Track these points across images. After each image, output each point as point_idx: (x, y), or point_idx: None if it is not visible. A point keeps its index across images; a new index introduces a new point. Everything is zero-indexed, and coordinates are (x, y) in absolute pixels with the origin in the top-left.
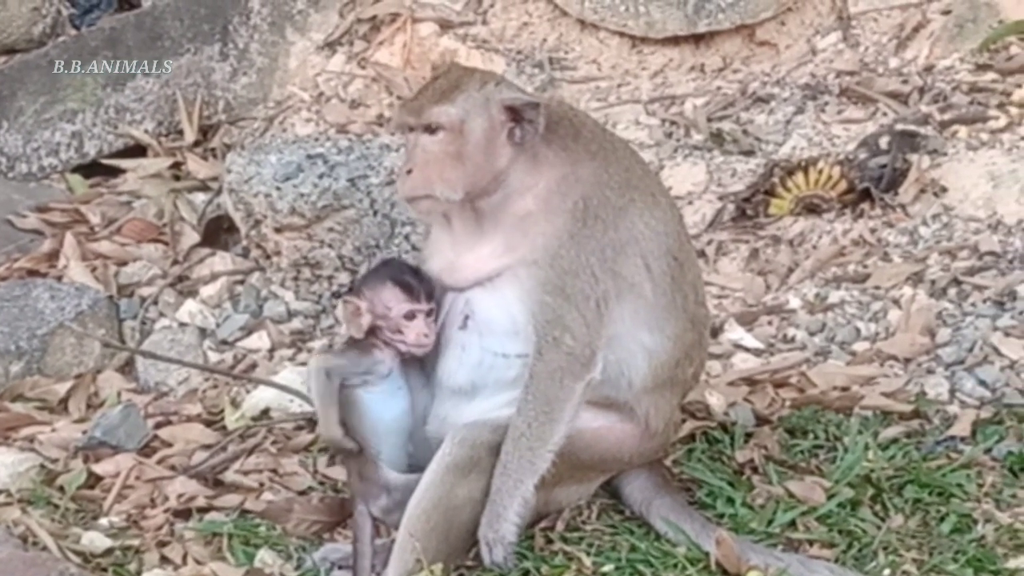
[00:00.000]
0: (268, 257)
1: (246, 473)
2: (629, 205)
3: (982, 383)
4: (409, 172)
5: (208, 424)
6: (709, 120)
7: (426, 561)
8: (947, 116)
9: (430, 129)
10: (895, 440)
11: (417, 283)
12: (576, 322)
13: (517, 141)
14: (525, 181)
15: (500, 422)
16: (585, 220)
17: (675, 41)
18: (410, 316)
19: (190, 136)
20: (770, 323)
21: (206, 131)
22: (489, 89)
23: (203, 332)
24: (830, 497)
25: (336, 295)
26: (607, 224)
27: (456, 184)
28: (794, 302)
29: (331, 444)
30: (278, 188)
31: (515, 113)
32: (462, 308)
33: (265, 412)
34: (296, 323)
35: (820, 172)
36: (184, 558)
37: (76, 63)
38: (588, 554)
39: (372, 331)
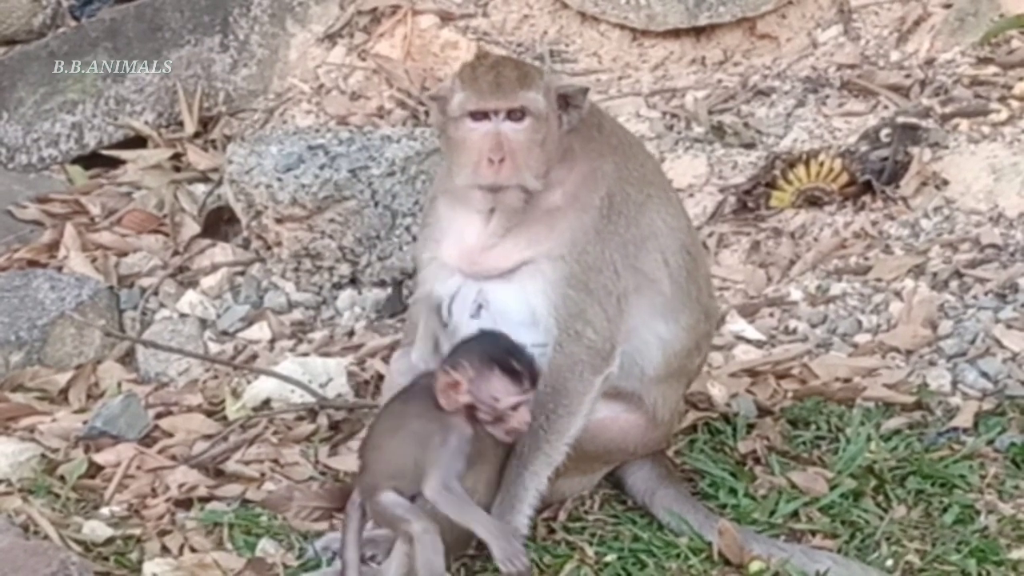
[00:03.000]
0: (269, 248)
1: (247, 463)
2: (647, 201)
3: (984, 375)
4: (502, 160)
5: (209, 414)
6: (710, 113)
7: None
8: (948, 109)
9: (515, 116)
10: (897, 431)
11: (524, 369)
12: (598, 316)
13: (565, 129)
14: (559, 174)
15: None
16: (610, 216)
17: (676, 34)
18: (516, 407)
19: (190, 127)
20: (771, 315)
21: (206, 122)
22: (548, 76)
23: (204, 323)
24: (833, 488)
25: (337, 286)
26: (629, 220)
27: (539, 173)
28: (795, 294)
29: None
30: (279, 179)
31: (564, 100)
32: (475, 297)
33: (266, 402)
34: (297, 314)
35: (821, 165)
36: (184, 548)
37: (76, 54)
38: (591, 544)
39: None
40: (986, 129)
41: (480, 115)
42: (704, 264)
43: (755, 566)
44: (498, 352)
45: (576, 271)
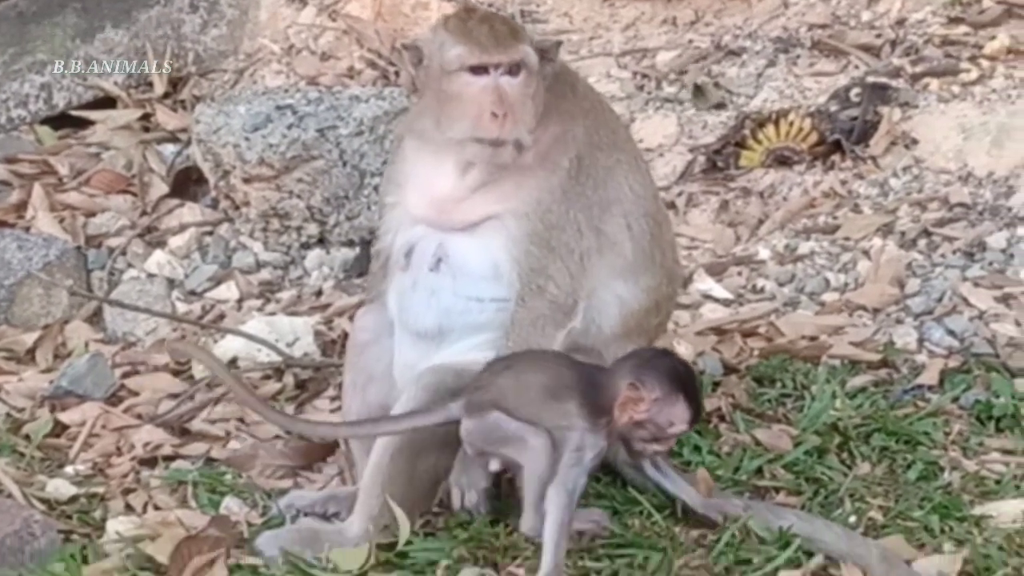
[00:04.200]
0: (237, 208)
1: (213, 422)
2: (616, 166)
3: (950, 333)
4: (505, 115)
5: (175, 374)
6: (682, 73)
7: (392, 505)
8: (919, 69)
9: (513, 70)
10: (863, 389)
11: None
12: (560, 272)
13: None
14: (534, 132)
15: (464, 367)
16: (578, 178)
17: None
18: (680, 434)
19: (160, 88)
20: (739, 274)
21: (176, 83)
22: (528, 31)
23: (171, 283)
24: (797, 445)
25: (305, 246)
26: (597, 183)
27: (531, 128)
28: (764, 253)
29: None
30: (247, 139)
31: (540, 54)
32: (435, 251)
33: (233, 361)
34: (265, 274)
35: (791, 124)
36: (148, 506)
37: (45, 15)
38: None
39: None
40: (956, 89)
41: (480, 69)
42: (669, 230)
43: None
44: (688, 378)
45: (539, 229)
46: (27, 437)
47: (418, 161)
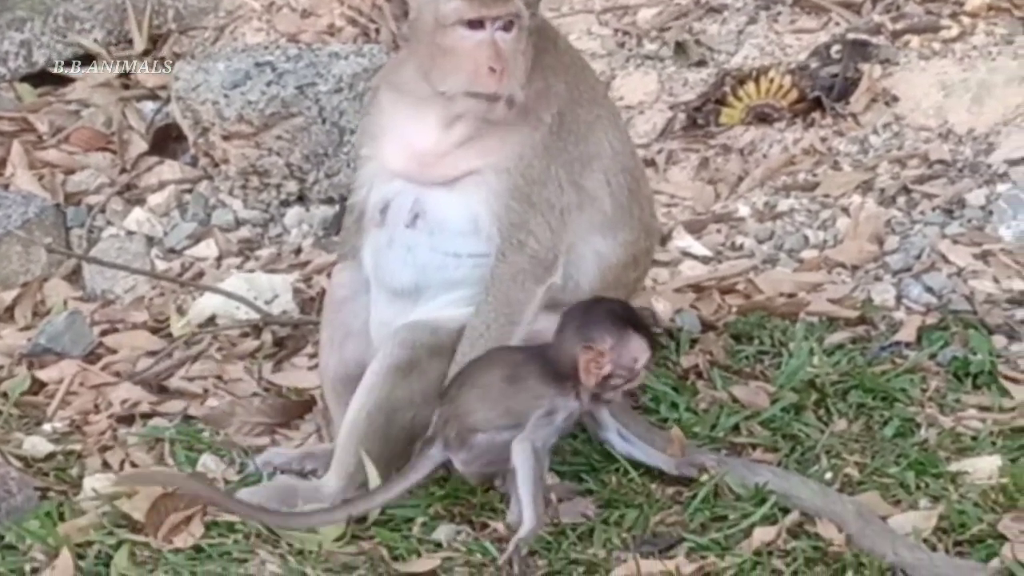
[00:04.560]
0: (216, 165)
1: (191, 379)
2: (596, 122)
3: (928, 290)
4: (503, 70)
5: (154, 331)
6: (663, 31)
7: (367, 463)
8: (899, 26)
9: (508, 25)
10: (840, 346)
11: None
12: (540, 227)
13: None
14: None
15: (440, 323)
16: (559, 133)
17: None
18: (648, 366)
19: (140, 45)
20: (719, 231)
21: (156, 40)
22: None
23: (151, 240)
24: (774, 402)
25: (284, 203)
26: (578, 138)
27: (523, 83)
28: (743, 210)
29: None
30: (226, 96)
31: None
32: (412, 206)
33: (211, 319)
34: (244, 231)
35: (771, 81)
36: (125, 463)
37: None
38: None
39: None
40: (937, 45)
41: (477, 23)
42: (646, 185)
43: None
44: (627, 312)
45: (520, 184)
46: (4, 395)
47: (396, 114)
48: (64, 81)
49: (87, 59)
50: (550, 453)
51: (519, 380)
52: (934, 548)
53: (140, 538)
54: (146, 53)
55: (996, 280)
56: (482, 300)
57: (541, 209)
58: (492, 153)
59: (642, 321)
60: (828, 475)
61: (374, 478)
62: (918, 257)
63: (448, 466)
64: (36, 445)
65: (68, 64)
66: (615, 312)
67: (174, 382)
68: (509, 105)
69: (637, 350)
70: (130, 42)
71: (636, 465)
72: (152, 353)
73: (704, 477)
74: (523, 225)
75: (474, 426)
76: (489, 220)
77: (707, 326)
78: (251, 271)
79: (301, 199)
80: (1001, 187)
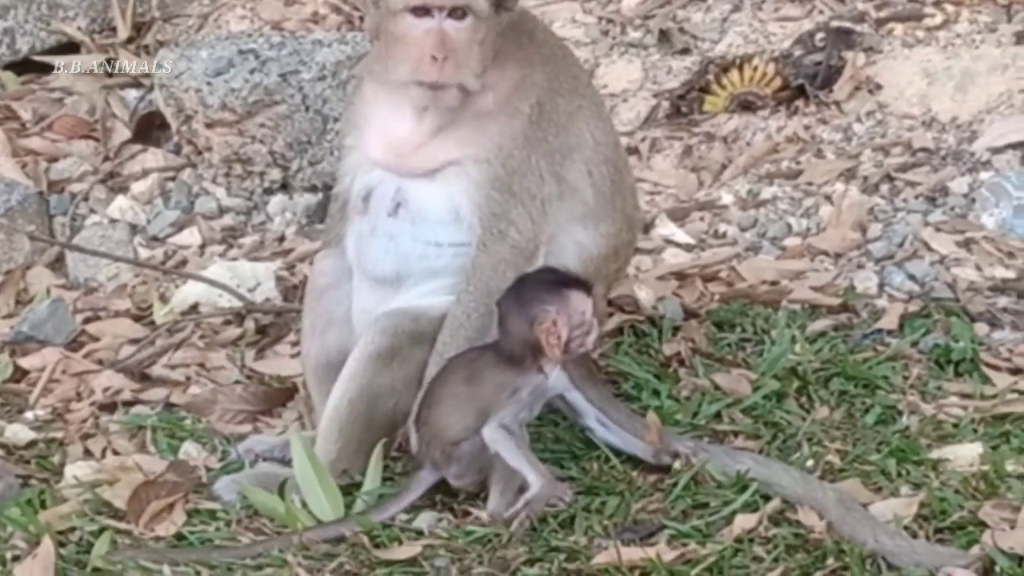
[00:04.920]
0: (199, 153)
1: (173, 367)
2: (577, 112)
3: (911, 277)
4: (445, 58)
5: (137, 319)
6: (647, 19)
7: (348, 451)
8: (883, 14)
9: (457, 14)
10: (823, 333)
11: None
12: (521, 217)
13: (497, 30)
14: (491, 78)
15: (422, 311)
16: (539, 123)
17: None
18: (592, 311)
19: (123, 33)
20: (702, 219)
21: (139, 28)
22: None
23: (134, 228)
24: (756, 389)
25: (267, 191)
26: (558, 128)
27: (478, 73)
28: (726, 198)
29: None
30: (209, 83)
31: (497, 1)
32: (393, 195)
33: (194, 307)
34: (227, 219)
35: (755, 69)
36: (107, 451)
37: None
38: None
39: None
40: (920, 34)
41: (422, 11)
42: (629, 176)
43: (678, 465)
44: (552, 277)
45: (501, 174)
46: None
47: (377, 104)
48: (47, 69)
49: (71, 47)
50: (525, 429)
51: (477, 376)
52: (915, 535)
53: (122, 525)
54: (130, 41)
55: (978, 268)
56: (463, 290)
57: (522, 199)
58: (470, 144)
59: (568, 276)
60: (809, 462)
61: (371, 480)
62: (901, 245)
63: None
64: (18, 433)
65: (51, 52)
66: (544, 281)
67: (156, 370)
68: (463, 93)
69: (579, 303)
70: (114, 30)
71: (617, 452)
72: (135, 341)
73: (678, 464)
74: (504, 215)
75: (454, 438)
76: (470, 210)
77: (689, 314)
78: (234, 259)
79: (284, 187)
80: (984, 175)
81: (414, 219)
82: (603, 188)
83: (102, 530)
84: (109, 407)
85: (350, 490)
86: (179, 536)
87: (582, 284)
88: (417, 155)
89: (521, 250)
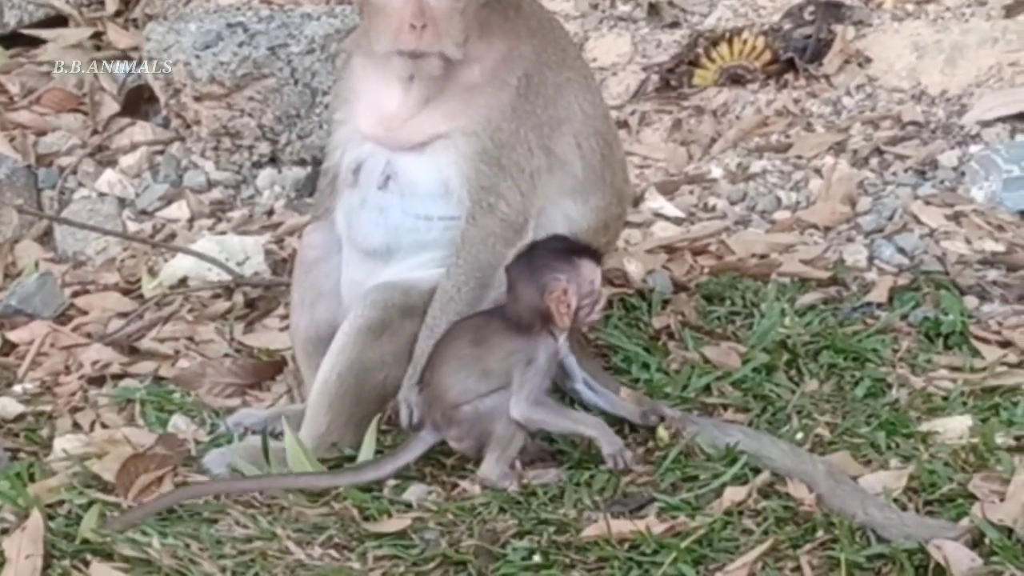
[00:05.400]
0: (188, 127)
1: (162, 341)
2: (566, 84)
3: (900, 250)
4: (424, 27)
5: (125, 293)
6: None
7: (338, 425)
8: None
9: None
10: (812, 306)
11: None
12: (510, 191)
13: (482, 1)
14: (478, 50)
15: (412, 283)
16: (527, 96)
17: None
18: (600, 280)
19: (111, 6)
20: (691, 192)
21: (128, 1)
22: None
23: (122, 202)
24: (745, 362)
25: (256, 164)
26: (547, 101)
27: (459, 42)
28: (716, 171)
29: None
30: (197, 56)
31: None
32: (383, 169)
33: (183, 280)
34: (216, 193)
35: (744, 43)
36: (96, 424)
37: None
38: None
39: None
40: (910, 7)
41: None
42: (619, 149)
43: (661, 432)
44: (563, 245)
45: (489, 147)
46: None
47: (366, 78)
48: (36, 42)
49: (59, 20)
50: (549, 394)
51: (485, 340)
52: (904, 508)
53: (111, 498)
54: (118, 14)
55: (968, 241)
56: (452, 263)
57: (511, 172)
58: (458, 117)
59: (579, 244)
60: (799, 435)
61: (366, 454)
62: (890, 218)
63: (442, 446)
64: (6, 406)
65: (40, 25)
66: (555, 249)
67: (145, 343)
68: (444, 62)
69: (589, 271)
70: (102, 3)
71: (609, 423)
72: (123, 314)
73: (664, 433)
74: (493, 188)
75: (456, 400)
76: (459, 183)
77: (679, 287)
78: (223, 233)
79: (273, 160)
80: (973, 148)
81: (404, 192)
82: (593, 161)
83: (91, 503)
84: (98, 380)
85: (340, 464)
86: (168, 509)
87: (592, 253)
88: (406, 128)
89: (510, 223)
